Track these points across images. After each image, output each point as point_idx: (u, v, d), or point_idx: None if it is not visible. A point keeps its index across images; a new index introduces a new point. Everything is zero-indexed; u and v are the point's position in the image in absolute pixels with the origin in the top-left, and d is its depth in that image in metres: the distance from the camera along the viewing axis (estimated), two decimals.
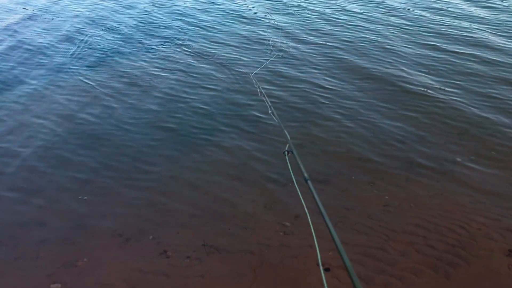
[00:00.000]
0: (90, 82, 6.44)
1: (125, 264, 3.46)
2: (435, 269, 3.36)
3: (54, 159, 4.73)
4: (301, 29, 8.29)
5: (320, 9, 9.35)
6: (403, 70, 6.51)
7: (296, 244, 3.61)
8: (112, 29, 8.66)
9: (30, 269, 3.44)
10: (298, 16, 9.03)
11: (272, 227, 3.81)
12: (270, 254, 3.54)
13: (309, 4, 9.80)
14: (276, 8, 9.55)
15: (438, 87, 6.00)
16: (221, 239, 3.70)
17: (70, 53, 7.55)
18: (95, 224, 3.88)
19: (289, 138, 3.48)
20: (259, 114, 5.45)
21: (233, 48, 7.61)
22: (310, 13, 9.19)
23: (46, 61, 7.23)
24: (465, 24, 7.99)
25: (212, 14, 9.36)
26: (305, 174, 2.53)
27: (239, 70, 6.72)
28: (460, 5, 9.32)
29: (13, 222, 3.94)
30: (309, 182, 2.44)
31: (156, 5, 10.06)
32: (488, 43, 7.40)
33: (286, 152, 3.03)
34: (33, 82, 6.47)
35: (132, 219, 3.92)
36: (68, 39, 8.18)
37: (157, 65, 7.00)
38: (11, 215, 4.02)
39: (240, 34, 8.22)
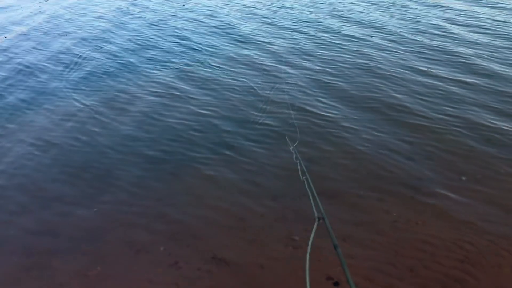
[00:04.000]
0: (80, 105, 6.38)
1: (137, 274, 3.51)
2: (444, 285, 3.38)
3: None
4: (297, 54, 8.02)
5: (312, 32, 9.38)
6: (413, 98, 6.57)
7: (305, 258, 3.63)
8: (105, 50, 8.57)
9: (43, 278, 3.50)
10: (295, 40, 9.04)
11: (281, 241, 3.85)
12: (279, 267, 3.58)
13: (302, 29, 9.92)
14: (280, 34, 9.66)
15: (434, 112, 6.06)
16: (230, 252, 3.75)
17: (61, 74, 7.49)
18: (107, 234, 3.94)
19: (318, 201, 3.06)
20: (266, 132, 5.53)
21: (232, 72, 7.36)
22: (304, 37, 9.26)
23: (35, 83, 7.19)
24: (461, 49, 7.99)
25: (209, 37, 9.18)
26: (335, 242, 2.48)
27: (240, 96, 6.50)
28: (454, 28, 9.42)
29: (26, 232, 4.02)
30: (338, 249, 2.43)
31: (152, 26, 9.97)
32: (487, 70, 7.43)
33: (317, 219, 2.76)
34: (21, 105, 6.47)
35: (143, 231, 3.99)
36: (59, 59, 8.11)
37: (151, 88, 6.85)
38: (23, 225, 4.11)
39: (238, 58, 7.96)
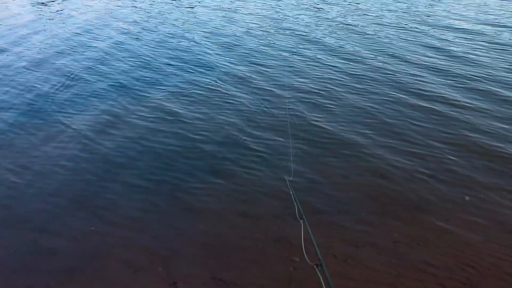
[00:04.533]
0: (64, 128, 6.17)
1: None
2: None
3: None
4: (291, 76, 7.85)
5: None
6: (407, 122, 6.61)
7: (305, 279, 3.60)
8: (95, 71, 8.35)
9: None
10: (290, 61, 8.94)
11: (281, 262, 3.82)
12: None
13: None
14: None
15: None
16: (230, 272, 3.71)
17: (48, 94, 7.29)
18: (106, 253, 3.91)
19: (316, 246, 2.98)
20: (263, 154, 5.53)
21: (224, 94, 7.18)
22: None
23: (20, 103, 6.96)
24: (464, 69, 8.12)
25: (202, 57, 9.02)
26: None
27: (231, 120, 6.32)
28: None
29: (25, 251, 3.99)
30: None
31: (146, 46, 9.87)
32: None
33: (315, 265, 2.70)
34: (3, 126, 6.25)
35: (142, 249, 3.96)
36: (48, 80, 7.90)
37: (140, 112, 6.62)
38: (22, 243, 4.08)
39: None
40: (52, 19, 12.46)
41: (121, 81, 7.86)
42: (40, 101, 7.03)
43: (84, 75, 8.19)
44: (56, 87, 7.61)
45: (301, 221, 3.36)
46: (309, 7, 13.12)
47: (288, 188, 4.44)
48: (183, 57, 9.10)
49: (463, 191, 4.70)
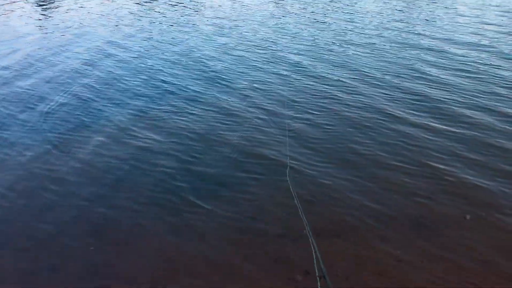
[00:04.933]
0: (57, 150, 6.00)
1: None
2: None
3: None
4: (275, 102, 7.46)
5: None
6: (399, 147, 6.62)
7: None
8: (70, 93, 8.02)
9: None
10: (276, 86, 8.70)
11: (283, 282, 3.81)
12: None
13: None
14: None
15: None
16: None
17: (42, 113, 7.14)
18: (107, 274, 3.92)
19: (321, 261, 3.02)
20: (259, 176, 5.54)
21: (207, 119, 6.89)
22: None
23: (12, 124, 6.77)
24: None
25: (185, 79, 8.72)
26: None
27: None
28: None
29: (23, 271, 4.01)
30: None
31: (126, 66, 9.57)
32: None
33: (319, 277, 2.74)
34: None
35: (144, 270, 3.96)
36: (21, 101, 7.66)
37: (133, 133, 6.44)
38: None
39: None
40: (51, 33, 12.48)
41: (115, 99, 7.71)
42: (33, 120, 6.90)
43: (78, 93, 8.02)
44: (49, 105, 7.44)
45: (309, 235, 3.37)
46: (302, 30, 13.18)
47: (288, 206, 4.46)
48: (165, 79, 8.78)
49: (463, 211, 4.68)
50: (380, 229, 4.43)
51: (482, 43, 10.83)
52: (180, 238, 4.36)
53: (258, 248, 4.20)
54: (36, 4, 16.40)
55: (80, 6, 15.74)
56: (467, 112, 6.96)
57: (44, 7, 15.92)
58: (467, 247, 4.16)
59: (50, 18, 14.34)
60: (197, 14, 14.81)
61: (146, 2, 16.71)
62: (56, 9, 15.54)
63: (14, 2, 16.54)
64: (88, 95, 7.93)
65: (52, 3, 16.54)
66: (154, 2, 16.67)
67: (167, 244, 4.28)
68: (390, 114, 6.95)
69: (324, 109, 7.20)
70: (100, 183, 5.26)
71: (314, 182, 5.21)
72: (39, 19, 14.17)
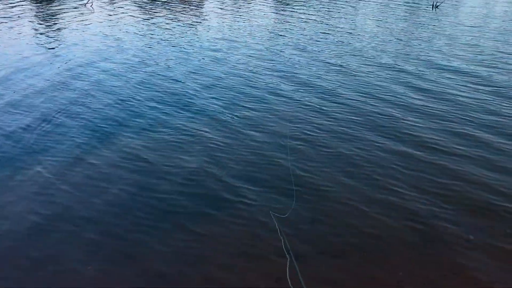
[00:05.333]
0: (32, 179, 5.67)
1: None
2: None
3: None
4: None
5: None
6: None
7: None
8: (72, 112, 7.80)
9: None
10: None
11: None
12: None
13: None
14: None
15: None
16: None
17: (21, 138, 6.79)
18: None
19: None
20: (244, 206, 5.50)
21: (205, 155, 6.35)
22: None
23: None
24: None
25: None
26: None
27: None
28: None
29: None
30: None
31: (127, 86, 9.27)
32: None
33: None
34: None
35: None
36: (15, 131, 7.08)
37: (112, 161, 6.11)
38: None
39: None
40: (42, 54, 12.08)
41: (98, 123, 7.34)
42: (7, 146, 6.55)
43: (59, 116, 7.62)
44: (28, 129, 7.07)
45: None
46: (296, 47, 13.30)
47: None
48: (164, 97, 8.62)
49: (466, 231, 4.65)
50: (382, 249, 4.40)
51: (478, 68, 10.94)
52: (168, 264, 4.25)
53: (260, 268, 4.14)
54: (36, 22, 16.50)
55: (75, 28, 15.52)
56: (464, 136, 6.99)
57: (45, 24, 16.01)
58: (468, 269, 4.11)
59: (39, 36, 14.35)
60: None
61: (143, 19, 16.87)
62: (52, 27, 15.64)
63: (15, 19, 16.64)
64: (69, 119, 7.52)
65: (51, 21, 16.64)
66: (152, 19, 16.81)
67: (156, 270, 4.18)
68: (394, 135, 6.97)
69: (321, 130, 7.13)
70: (71, 216, 4.93)
71: (319, 198, 5.19)
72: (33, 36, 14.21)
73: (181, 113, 7.84)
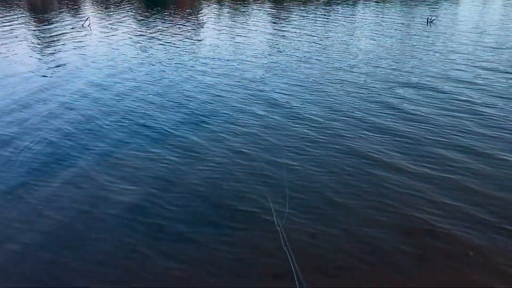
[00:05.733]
0: (20, 202, 5.61)
1: None
2: None
3: None
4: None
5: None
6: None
7: None
8: (64, 132, 7.83)
9: None
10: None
11: None
12: None
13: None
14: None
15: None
16: None
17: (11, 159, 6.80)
18: None
19: None
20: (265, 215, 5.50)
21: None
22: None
23: None
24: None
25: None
26: None
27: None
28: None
29: None
30: None
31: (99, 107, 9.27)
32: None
33: None
34: None
35: None
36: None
37: (106, 182, 6.06)
38: None
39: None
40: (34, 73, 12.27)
41: (90, 145, 7.29)
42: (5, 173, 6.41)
43: (49, 137, 7.65)
44: (18, 150, 7.09)
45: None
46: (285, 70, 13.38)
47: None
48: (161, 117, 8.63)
49: (464, 247, 4.64)
50: (379, 266, 4.38)
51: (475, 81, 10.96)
52: None
53: None
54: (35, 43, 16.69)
55: (73, 47, 15.74)
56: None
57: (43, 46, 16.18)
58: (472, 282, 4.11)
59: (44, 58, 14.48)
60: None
61: (141, 40, 17.04)
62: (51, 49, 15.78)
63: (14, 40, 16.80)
64: (60, 139, 7.54)
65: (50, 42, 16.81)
66: (151, 40, 16.99)
67: None
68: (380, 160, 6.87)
69: (310, 155, 6.92)
70: (59, 244, 4.81)
71: (316, 219, 5.17)
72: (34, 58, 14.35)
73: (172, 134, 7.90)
